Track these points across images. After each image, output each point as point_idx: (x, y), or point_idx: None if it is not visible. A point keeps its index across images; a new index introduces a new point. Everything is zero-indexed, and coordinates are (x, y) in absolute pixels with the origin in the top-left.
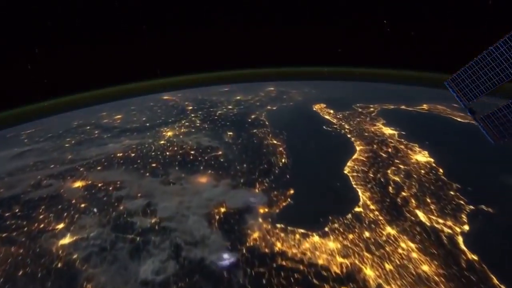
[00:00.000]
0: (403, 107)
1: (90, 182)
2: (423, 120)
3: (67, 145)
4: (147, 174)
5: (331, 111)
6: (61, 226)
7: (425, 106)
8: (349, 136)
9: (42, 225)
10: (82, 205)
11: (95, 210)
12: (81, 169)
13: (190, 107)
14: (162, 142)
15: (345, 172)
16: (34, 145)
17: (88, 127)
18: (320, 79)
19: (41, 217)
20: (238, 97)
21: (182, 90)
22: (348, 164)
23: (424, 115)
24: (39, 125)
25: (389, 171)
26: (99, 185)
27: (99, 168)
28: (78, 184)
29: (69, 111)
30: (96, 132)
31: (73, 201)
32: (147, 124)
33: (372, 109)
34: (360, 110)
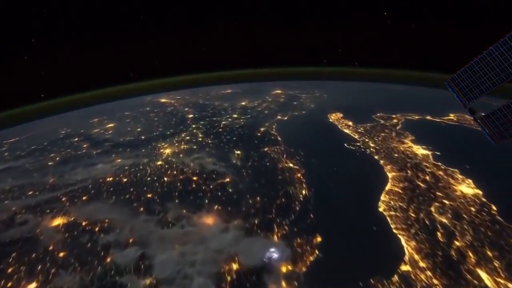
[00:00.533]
0: (428, 117)
1: (72, 219)
2: (456, 136)
3: (50, 163)
4: (141, 209)
5: (350, 123)
6: (33, 286)
7: (452, 117)
8: (376, 157)
9: (9, 284)
10: (61, 255)
11: (76, 263)
12: (63, 199)
13: (191, 115)
14: (159, 162)
15: (380, 209)
16: (13, 162)
17: (76, 139)
18: (321, 79)
19: (10, 270)
20: (243, 103)
21: (182, 90)
22: (382, 197)
23: (454, 129)
24: (27, 130)
25: (432, 209)
26: (83, 223)
27: (84, 198)
28: (58, 221)
29: (63, 113)
30: (85, 146)
31: (51, 248)
32: (142, 137)
33: (395, 121)
34: (382, 121)
